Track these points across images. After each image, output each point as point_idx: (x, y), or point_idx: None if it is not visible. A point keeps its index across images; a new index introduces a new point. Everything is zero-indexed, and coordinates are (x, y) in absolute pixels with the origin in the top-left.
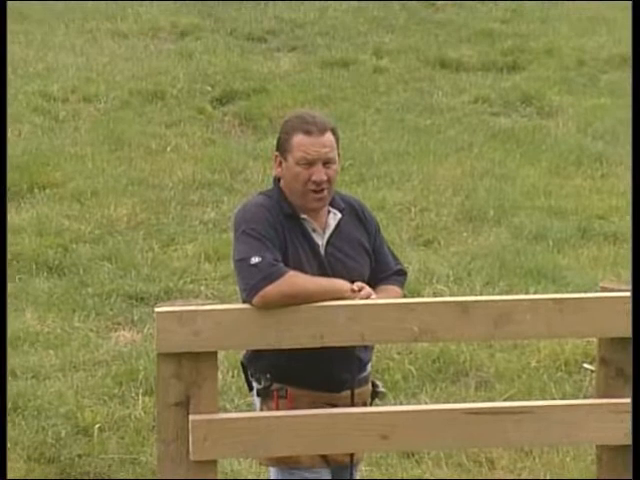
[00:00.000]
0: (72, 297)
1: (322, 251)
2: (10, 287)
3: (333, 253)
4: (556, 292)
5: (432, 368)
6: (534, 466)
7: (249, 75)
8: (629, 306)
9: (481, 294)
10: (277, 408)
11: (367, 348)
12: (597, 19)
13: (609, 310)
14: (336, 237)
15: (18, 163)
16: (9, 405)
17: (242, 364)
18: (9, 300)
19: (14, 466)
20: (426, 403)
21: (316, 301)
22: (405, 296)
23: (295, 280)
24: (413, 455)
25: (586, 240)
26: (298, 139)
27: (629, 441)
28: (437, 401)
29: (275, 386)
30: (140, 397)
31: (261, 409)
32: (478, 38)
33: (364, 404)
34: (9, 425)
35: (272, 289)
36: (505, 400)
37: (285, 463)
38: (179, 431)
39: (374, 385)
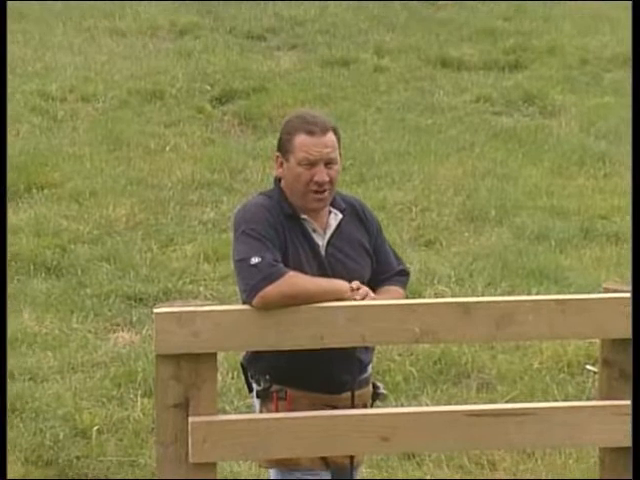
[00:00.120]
0: (70, 298)
1: (322, 252)
2: (8, 288)
3: (333, 254)
4: (558, 293)
5: (433, 369)
6: (536, 468)
7: (249, 74)
8: (629, 307)
9: (483, 295)
10: (277, 410)
11: (368, 349)
12: (600, 17)
13: (612, 311)
14: (337, 238)
15: (16, 163)
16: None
17: (242, 365)
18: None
19: (12, 468)
20: (427, 405)
21: (316, 302)
22: (406, 297)
23: (295, 281)
24: (414, 457)
25: (589, 240)
26: (300, 139)
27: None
28: (438, 403)
29: (275, 388)
30: (139, 399)
31: (261, 411)
32: (480, 37)
33: (364, 406)
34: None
35: (272, 290)
36: (507, 402)
37: (285, 465)
38: (178, 433)
39: (375, 387)
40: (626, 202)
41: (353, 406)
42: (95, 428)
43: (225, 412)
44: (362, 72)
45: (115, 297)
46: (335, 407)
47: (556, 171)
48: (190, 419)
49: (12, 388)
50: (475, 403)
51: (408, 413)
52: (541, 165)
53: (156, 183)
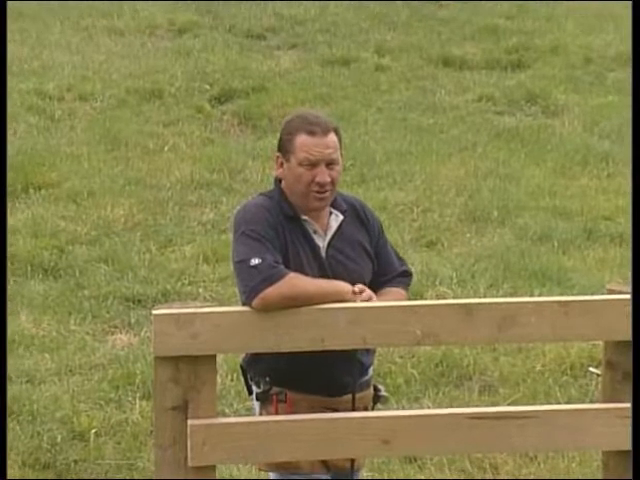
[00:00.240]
0: (68, 299)
1: (323, 253)
2: None
3: (334, 255)
4: (561, 294)
5: (435, 372)
6: (539, 472)
7: (248, 73)
8: (629, 308)
9: (485, 296)
10: (276, 412)
11: (369, 351)
12: (604, 16)
13: (616, 313)
14: (337, 239)
15: (13, 163)
16: None
17: (241, 367)
18: None
19: (9, 472)
20: (429, 407)
21: (317, 303)
22: (407, 298)
23: (295, 282)
24: (415, 460)
25: (592, 241)
26: (301, 140)
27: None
28: (440, 405)
29: (274, 390)
30: (137, 401)
31: (260, 413)
32: (482, 35)
33: (365, 409)
34: None
35: (272, 291)
36: (509, 404)
37: (285, 468)
38: (177, 436)
39: (376, 389)
40: (629, 202)
41: (354, 409)
42: (93, 431)
43: (224, 415)
44: (363, 71)
45: (113, 299)
46: (336, 410)
47: (559, 171)
48: (189, 422)
49: (9, 390)
50: (477, 406)
51: (409, 416)
52: (544, 165)
53: (155, 183)
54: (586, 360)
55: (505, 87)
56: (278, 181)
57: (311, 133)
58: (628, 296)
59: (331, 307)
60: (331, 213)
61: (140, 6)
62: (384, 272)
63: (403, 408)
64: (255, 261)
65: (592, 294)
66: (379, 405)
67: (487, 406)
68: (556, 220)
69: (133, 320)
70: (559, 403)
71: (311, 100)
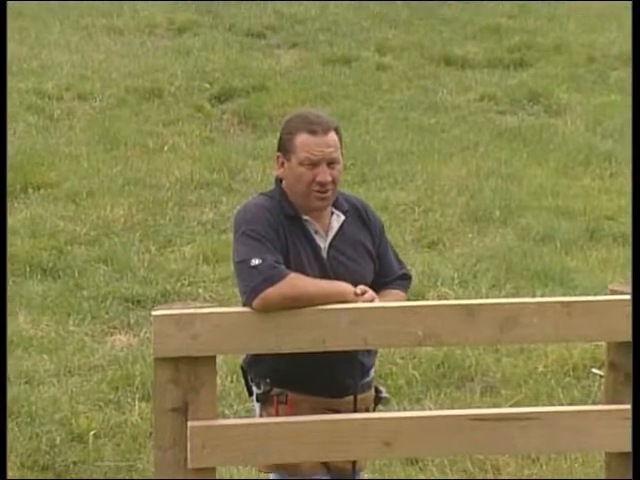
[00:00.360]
0: (67, 300)
1: (324, 254)
2: None
3: (335, 256)
4: (564, 295)
5: (436, 373)
6: (541, 473)
7: (248, 72)
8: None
9: (487, 297)
10: (277, 414)
11: (370, 353)
12: (607, 15)
13: (618, 313)
14: (339, 239)
15: (12, 163)
16: None
17: (242, 368)
18: None
19: (7, 473)
20: (430, 409)
21: (318, 304)
22: (409, 299)
23: (296, 282)
24: (417, 462)
25: (595, 241)
26: (302, 139)
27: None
28: (441, 407)
29: (275, 391)
30: (137, 403)
31: (261, 415)
32: (484, 34)
33: (367, 410)
34: None
35: (273, 291)
36: (511, 406)
37: (285, 469)
38: (177, 438)
39: (377, 390)
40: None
41: (355, 410)
42: (92, 432)
43: (224, 416)
44: (364, 70)
45: (112, 299)
46: (337, 411)
47: (561, 171)
48: (189, 423)
49: (8, 392)
50: (479, 407)
51: (411, 417)
52: (546, 165)
53: (154, 183)
54: (589, 361)
55: (507, 86)
56: (279, 181)
57: (312, 132)
58: (628, 296)
59: (332, 308)
60: (332, 213)
61: (140, 5)
62: (384, 274)
63: (404, 409)
64: (256, 261)
65: (595, 295)
66: (380, 406)
67: (489, 407)
68: (558, 220)
69: (132, 321)
70: (561, 404)
71: (312, 99)
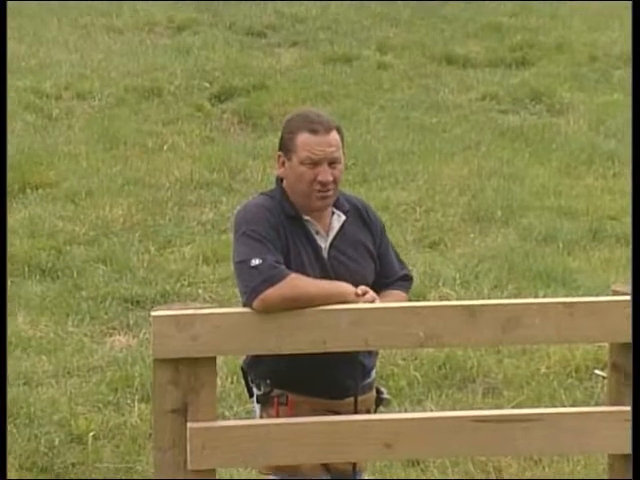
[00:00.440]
0: (66, 301)
1: (325, 254)
2: None
3: (336, 256)
4: (566, 295)
5: (438, 374)
6: (543, 475)
7: (249, 71)
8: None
9: (489, 298)
10: (277, 415)
11: (371, 354)
12: (610, 13)
13: (621, 314)
14: (340, 240)
15: (10, 162)
16: None
17: (242, 369)
18: None
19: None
20: (432, 410)
21: (318, 305)
22: (410, 300)
23: (297, 283)
24: (418, 464)
25: (597, 242)
26: (303, 138)
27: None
28: (443, 408)
29: (276, 392)
30: (136, 404)
31: (261, 416)
32: (486, 33)
33: (368, 411)
34: None
35: (273, 292)
36: (513, 407)
37: (285, 471)
38: (176, 439)
39: (378, 392)
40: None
41: (356, 412)
42: (91, 434)
43: (224, 418)
44: (365, 69)
45: (112, 300)
46: (338, 413)
47: (564, 171)
48: (189, 425)
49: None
50: (481, 408)
51: (412, 419)
52: (549, 164)
53: (154, 183)
54: (591, 362)
55: (509, 85)
56: (279, 180)
57: (313, 131)
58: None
59: (333, 308)
60: (333, 213)
61: (139, 3)
62: (385, 275)
63: (406, 411)
64: (256, 261)
65: (597, 295)
66: (381, 408)
67: (491, 409)
68: (561, 220)
69: (132, 321)
70: (564, 406)
71: (312, 98)
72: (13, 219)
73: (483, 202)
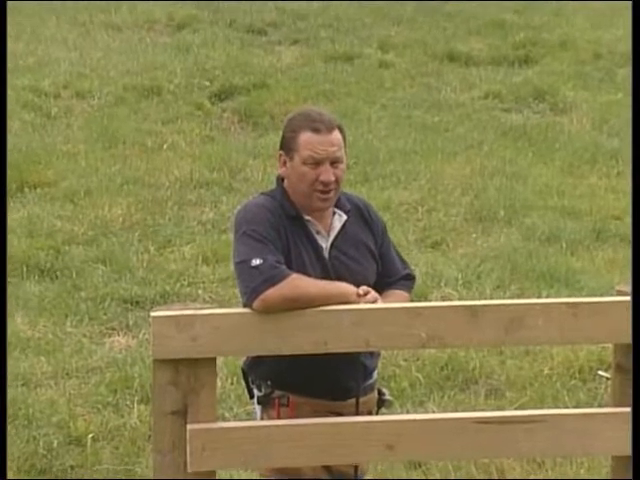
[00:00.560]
0: (64, 301)
1: (326, 254)
2: None
3: (337, 256)
4: (570, 296)
5: (440, 375)
6: (547, 477)
7: (249, 69)
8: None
9: (491, 298)
10: (278, 417)
11: (373, 354)
12: (614, 11)
13: (625, 315)
14: (341, 240)
15: (8, 161)
16: None
17: (242, 370)
18: None
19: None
20: (434, 412)
21: (319, 305)
22: (412, 300)
23: (298, 283)
24: (420, 466)
25: (601, 242)
26: (305, 137)
27: None
28: (445, 410)
29: (276, 394)
30: (135, 405)
31: (262, 418)
32: (488, 30)
33: (369, 413)
34: None
35: (273, 292)
36: (516, 409)
37: (286, 472)
38: (176, 441)
39: (380, 393)
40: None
41: (358, 413)
42: (90, 436)
43: (225, 419)
44: (366, 68)
45: (111, 300)
46: (339, 414)
47: (567, 170)
48: (188, 426)
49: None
50: (483, 410)
51: (414, 420)
52: (552, 164)
53: (153, 182)
54: (595, 363)
55: (512, 84)
56: (280, 180)
57: (315, 130)
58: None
59: (334, 309)
60: (334, 213)
61: (138, 1)
62: (387, 274)
63: (408, 412)
64: (256, 262)
65: (601, 296)
66: (383, 409)
67: (493, 410)
68: (564, 220)
69: (131, 322)
70: (567, 407)
71: (313, 97)
72: (11, 218)
73: (486, 202)
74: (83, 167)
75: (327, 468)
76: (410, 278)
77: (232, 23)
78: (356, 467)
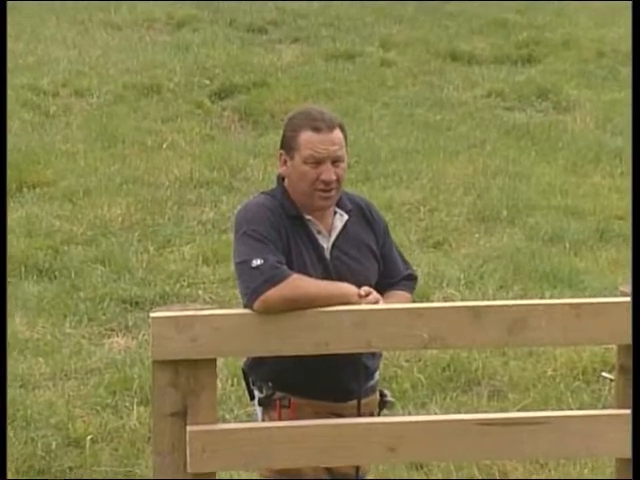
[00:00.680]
0: (63, 302)
1: (327, 254)
2: None
3: (339, 256)
4: (573, 296)
5: (442, 376)
6: (550, 478)
7: (249, 68)
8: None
9: (494, 299)
10: (279, 418)
11: (374, 355)
12: (617, 9)
13: (629, 316)
14: (342, 240)
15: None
16: None
17: (243, 372)
18: None
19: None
20: (436, 413)
21: (320, 306)
22: (414, 301)
23: (299, 284)
24: (422, 467)
25: (605, 242)
26: (306, 136)
27: None
28: (447, 411)
29: (277, 395)
30: (135, 407)
31: (263, 419)
32: (491, 29)
33: (371, 414)
34: None
35: (274, 293)
36: (519, 410)
37: (287, 473)
38: (176, 442)
39: (382, 394)
40: None
41: (359, 415)
42: (89, 437)
43: (225, 421)
44: (368, 66)
45: (110, 301)
46: (340, 415)
47: (571, 169)
48: (188, 428)
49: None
50: (486, 411)
51: (416, 422)
52: (555, 163)
53: (153, 182)
54: (599, 364)
55: (515, 82)
56: (281, 179)
57: (316, 129)
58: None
59: (335, 310)
60: (336, 213)
61: (138, 0)
62: (389, 275)
63: (409, 414)
64: (257, 262)
65: (605, 296)
66: (385, 411)
67: (496, 412)
68: (568, 220)
69: (130, 323)
70: (571, 409)
71: (314, 95)
72: (10, 218)
73: (488, 201)
74: (82, 166)
75: (328, 469)
76: (412, 278)
77: (232, 22)
78: (357, 468)
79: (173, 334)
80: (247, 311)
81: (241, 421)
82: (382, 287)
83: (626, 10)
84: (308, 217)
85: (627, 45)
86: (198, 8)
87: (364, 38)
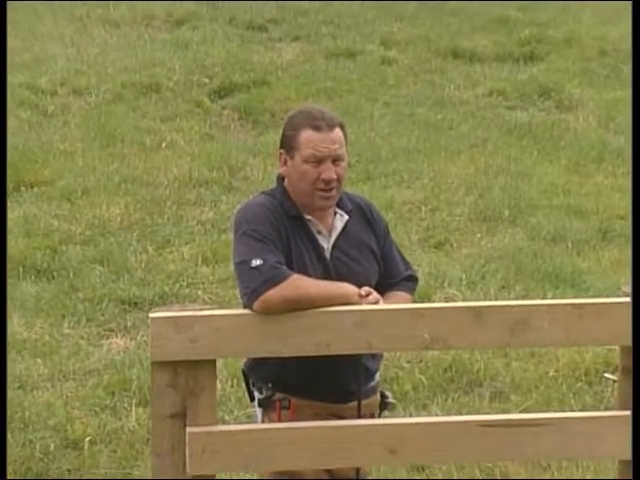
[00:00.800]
0: (61, 302)
1: (327, 254)
2: None
3: (339, 257)
4: (575, 297)
5: (444, 378)
6: None
7: (249, 66)
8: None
9: (496, 299)
10: (279, 419)
11: (375, 356)
12: (620, 7)
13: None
14: (342, 240)
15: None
16: None
17: (243, 372)
18: None
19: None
20: (437, 415)
21: (321, 306)
22: (415, 301)
23: (299, 284)
24: (423, 469)
25: (607, 242)
26: (306, 135)
27: None
28: (449, 413)
29: (277, 396)
30: (133, 408)
31: (263, 420)
32: (493, 27)
33: (372, 416)
34: None
35: (274, 293)
36: (521, 412)
37: (287, 474)
38: (175, 444)
39: (382, 395)
40: None
41: (360, 416)
42: (87, 439)
43: (224, 422)
44: (369, 64)
45: (109, 301)
46: (341, 417)
47: (573, 168)
48: (188, 429)
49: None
50: (488, 413)
51: (417, 423)
52: (557, 162)
53: (152, 181)
54: (601, 365)
55: (517, 81)
56: (281, 179)
57: (316, 128)
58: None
59: (336, 310)
60: (336, 213)
61: None
62: (389, 275)
63: (411, 415)
64: (256, 262)
65: (607, 296)
66: (386, 412)
67: (498, 413)
68: (570, 219)
69: (129, 323)
70: (573, 410)
71: (315, 94)
72: (8, 218)
73: (490, 201)
74: (80, 166)
75: (328, 470)
76: (413, 279)
77: (232, 20)
78: (358, 469)
79: (172, 335)
80: (247, 311)
81: (241, 422)
82: (382, 288)
83: (628, 8)
84: (308, 217)
85: (629, 43)
86: (197, 6)
87: (365, 36)
